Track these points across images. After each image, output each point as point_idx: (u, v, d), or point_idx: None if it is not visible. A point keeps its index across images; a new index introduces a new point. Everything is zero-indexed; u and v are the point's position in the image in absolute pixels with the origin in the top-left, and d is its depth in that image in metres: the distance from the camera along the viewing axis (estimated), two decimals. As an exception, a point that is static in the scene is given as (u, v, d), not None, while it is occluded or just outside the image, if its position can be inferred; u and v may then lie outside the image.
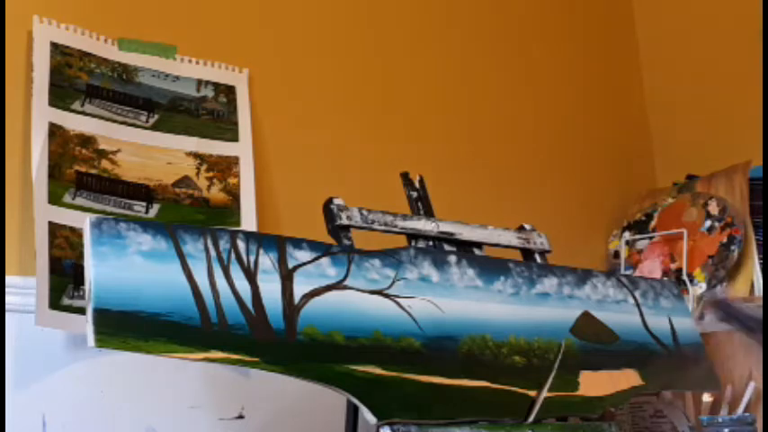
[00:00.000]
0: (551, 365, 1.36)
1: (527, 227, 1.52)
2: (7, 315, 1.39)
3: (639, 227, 2.24)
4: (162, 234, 1.12)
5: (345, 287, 1.23)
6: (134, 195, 1.56)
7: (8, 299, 1.40)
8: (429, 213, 1.43)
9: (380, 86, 1.97)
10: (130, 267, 1.08)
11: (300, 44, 1.86)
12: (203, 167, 1.64)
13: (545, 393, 1.33)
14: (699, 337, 1.63)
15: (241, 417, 1.59)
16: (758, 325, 1.09)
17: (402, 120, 1.98)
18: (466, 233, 1.42)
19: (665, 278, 2.02)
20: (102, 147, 1.55)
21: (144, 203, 1.57)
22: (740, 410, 1.74)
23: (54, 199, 1.46)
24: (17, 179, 1.46)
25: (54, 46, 1.52)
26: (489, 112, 2.16)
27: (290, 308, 1.17)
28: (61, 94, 1.51)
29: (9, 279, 1.41)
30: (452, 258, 1.36)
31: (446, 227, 1.41)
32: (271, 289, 1.17)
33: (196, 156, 1.64)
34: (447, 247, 1.39)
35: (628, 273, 2.14)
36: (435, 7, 2.12)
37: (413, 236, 1.37)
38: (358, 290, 1.24)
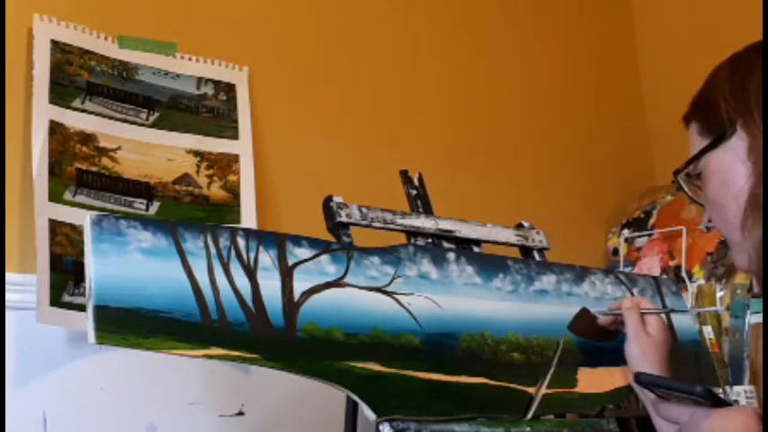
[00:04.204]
0: (550, 362, 1.37)
1: (525, 224, 1.53)
2: (8, 312, 1.40)
3: (638, 224, 2.24)
4: (162, 231, 1.12)
5: (345, 284, 1.24)
6: (134, 193, 1.56)
7: (8, 296, 1.40)
8: (428, 211, 1.44)
9: (380, 84, 1.98)
10: (131, 264, 1.08)
11: (300, 42, 1.87)
12: (203, 165, 1.65)
13: (543, 390, 1.33)
14: (697, 334, 1.63)
15: (241, 413, 1.60)
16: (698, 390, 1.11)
17: (401, 118, 1.99)
18: (464, 230, 1.42)
19: (664, 275, 2.03)
20: (102, 144, 1.55)
21: (144, 201, 1.57)
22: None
23: (54, 196, 1.47)
24: (17, 177, 1.46)
25: (54, 44, 1.52)
26: (487, 110, 2.17)
27: (290, 305, 1.17)
28: (61, 91, 1.52)
29: (9, 276, 1.41)
30: (451, 256, 1.36)
31: (445, 224, 1.41)
32: (270, 286, 1.17)
33: (196, 153, 1.65)
34: (446, 245, 1.40)
35: (626, 270, 2.14)
36: (437, 5, 2.12)
37: (412, 233, 1.38)
38: (357, 287, 1.24)
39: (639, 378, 1.17)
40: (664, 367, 1.29)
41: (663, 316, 1.39)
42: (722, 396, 1.39)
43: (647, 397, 1.21)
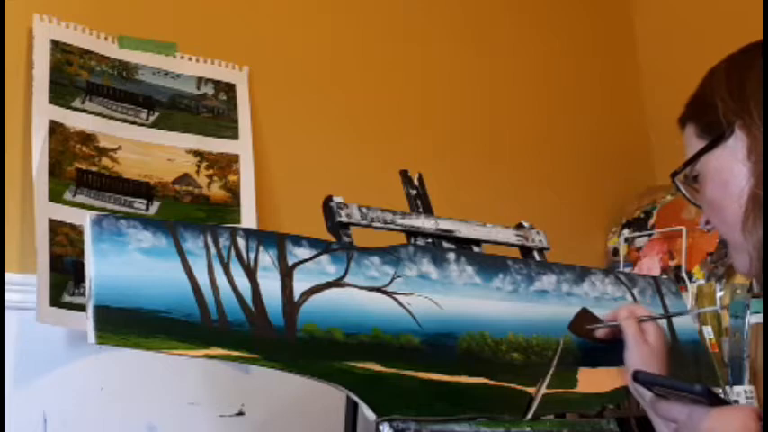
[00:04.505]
0: (550, 362, 1.37)
1: (525, 224, 1.53)
2: (8, 312, 1.40)
3: (638, 224, 2.24)
4: (162, 231, 1.13)
5: (345, 284, 1.24)
6: (134, 193, 1.56)
7: (8, 296, 1.40)
8: (428, 211, 1.44)
9: (380, 84, 1.98)
10: (131, 264, 1.08)
11: (300, 42, 1.87)
12: (203, 165, 1.65)
13: (543, 390, 1.33)
14: (697, 334, 1.63)
15: (241, 413, 1.60)
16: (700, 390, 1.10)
17: (401, 118, 1.99)
18: (464, 231, 1.42)
19: (664, 275, 2.03)
20: (102, 144, 1.55)
21: (144, 201, 1.57)
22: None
23: (54, 196, 1.47)
24: (17, 177, 1.46)
25: (54, 44, 1.52)
26: (487, 110, 2.17)
27: (290, 305, 1.17)
28: (62, 91, 1.52)
29: (9, 276, 1.41)
30: (451, 256, 1.36)
31: (445, 224, 1.41)
32: (270, 286, 1.17)
33: (196, 153, 1.65)
34: (446, 245, 1.40)
35: (626, 270, 2.14)
36: (437, 5, 2.12)
37: (412, 233, 1.38)
38: (357, 287, 1.24)
39: (638, 376, 1.17)
40: (664, 374, 1.29)
41: (661, 321, 1.38)
42: (721, 395, 1.39)
43: (643, 396, 1.21)
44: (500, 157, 2.15)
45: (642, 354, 1.30)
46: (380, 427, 1.16)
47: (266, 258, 1.19)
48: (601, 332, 1.38)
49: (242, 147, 1.70)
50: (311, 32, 1.89)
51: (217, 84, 1.70)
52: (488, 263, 1.40)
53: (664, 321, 1.41)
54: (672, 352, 1.35)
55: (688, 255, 2.08)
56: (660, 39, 2.53)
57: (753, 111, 1.08)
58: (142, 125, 1.60)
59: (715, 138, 1.12)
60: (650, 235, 2.19)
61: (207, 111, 1.68)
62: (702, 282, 2.02)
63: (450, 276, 1.34)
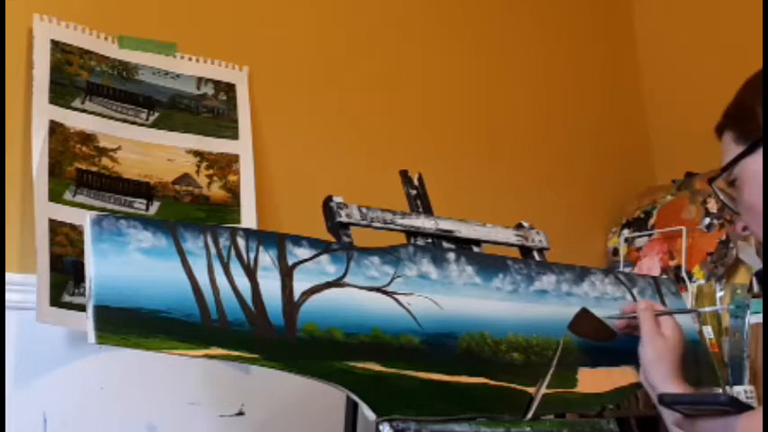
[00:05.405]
0: (550, 362, 1.37)
1: (525, 224, 1.53)
2: (8, 312, 1.40)
3: (638, 224, 2.24)
4: (162, 231, 1.13)
5: (345, 284, 1.24)
6: (134, 193, 1.56)
7: (8, 296, 1.40)
8: (428, 211, 1.44)
9: (380, 84, 1.98)
10: (131, 264, 1.08)
11: (300, 42, 1.87)
12: (203, 165, 1.65)
13: (543, 390, 1.33)
14: (697, 334, 1.63)
15: (241, 413, 1.60)
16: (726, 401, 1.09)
17: (401, 118, 1.99)
18: (464, 231, 1.42)
19: (664, 275, 2.03)
20: (102, 144, 1.55)
21: (144, 201, 1.57)
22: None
23: (54, 196, 1.47)
24: (17, 177, 1.46)
25: (54, 44, 1.52)
26: (487, 110, 2.17)
27: (290, 305, 1.17)
28: (62, 91, 1.52)
29: (9, 276, 1.41)
30: (451, 256, 1.36)
31: (445, 224, 1.41)
32: (271, 286, 1.17)
33: (196, 153, 1.65)
34: (446, 245, 1.40)
35: (626, 270, 2.14)
36: (437, 6, 2.13)
37: (412, 233, 1.38)
38: (357, 287, 1.24)
39: (663, 398, 1.16)
40: (678, 368, 1.28)
41: (676, 317, 1.38)
42: (746, 401, 1.38)
43: (669, 416, 1.20)
44: (500, 157, 2.15)
45: (657, 347, 1.29)
46: (380, 427, 1.16)
47: (266, 258, 1.19)
48: (618, 323, 1.38)
49: (242, 147, 1.70)
50: (311, 32, 1.89)
51: (217, 84, 1.70)
52: (488, 263, 1.40)
53: (679, 317, 1.41)
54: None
55: (688, 255, 2.08)
56: (660, 39, 2.53)
57: None
58: (142, 125, 1.60)
59: (753, 142, 1.13)
60: (650, 235, 2.20)
61: (207, 111, 1.68)
62: (702, 282, 2.02)
63: (450, 276, 1.34)
